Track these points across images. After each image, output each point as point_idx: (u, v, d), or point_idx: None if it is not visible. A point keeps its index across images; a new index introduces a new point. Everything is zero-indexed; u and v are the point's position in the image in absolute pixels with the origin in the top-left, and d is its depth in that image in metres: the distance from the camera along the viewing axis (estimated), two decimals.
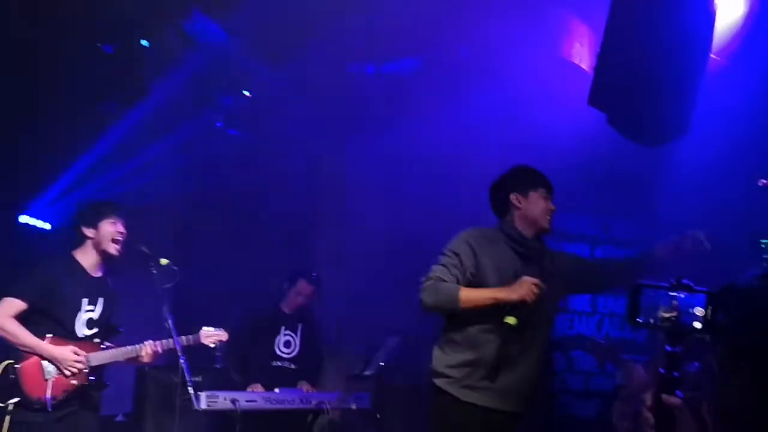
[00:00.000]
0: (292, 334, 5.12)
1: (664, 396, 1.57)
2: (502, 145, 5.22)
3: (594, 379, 5.70)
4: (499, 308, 3.05)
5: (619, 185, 5.51)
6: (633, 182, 5.42)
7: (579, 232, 5.78)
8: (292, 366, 5.08)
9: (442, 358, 3.21)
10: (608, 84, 3.94)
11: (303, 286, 5.11)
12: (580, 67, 5.17)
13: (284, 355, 5.08)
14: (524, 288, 3.01)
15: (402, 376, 5.12)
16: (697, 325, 1.61)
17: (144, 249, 3.81)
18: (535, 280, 3.04)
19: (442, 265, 3.17)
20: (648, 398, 1.62)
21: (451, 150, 5.46)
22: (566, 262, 3.40)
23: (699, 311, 1.62)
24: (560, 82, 5.13)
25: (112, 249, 3.71)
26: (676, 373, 1.62)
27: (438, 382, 3.18)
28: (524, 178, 3.33)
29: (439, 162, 5.56)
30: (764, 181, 4.92)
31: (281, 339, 5.08)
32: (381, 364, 4.80)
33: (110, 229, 3.72)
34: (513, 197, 3.28)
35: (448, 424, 3.13)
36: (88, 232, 3.74)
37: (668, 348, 1.63)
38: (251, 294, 5.49)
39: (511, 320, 3.00)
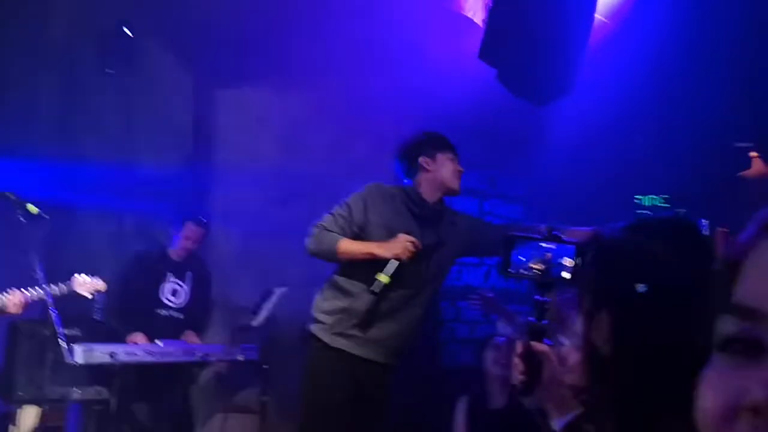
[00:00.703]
0: (180, 282, 4.93)
1: (533, 343, 1.63)
2: (390, 98, 5.21)
3: (479, 327, 5.90)
4: (378, 263, 3.11)
5: (506, 140, 5.63)
6: (520, 138, 5.55)
7: (467, 187, 5.88)
8: (180, 315, 4.89)
9: (319, 305, 3.31)
10: (498, 40, 3.99)
11: (191, 229, 4.91)
12: (473, 21, 5.20)
13: (171, 304, 4.88)
14: (399, 246, 3.09)
15: (290, 327, 5.10)
16: (566, 275, 1.67)
17: (9, 195, 3.56)
18: (411, 238, 3.12)
19: (332, 214, 3.25)
20: (519, 346, 1.66)
21: (342, 101, 5.41)
22: (466, 225, 3.50)
23: (568, 262, 1.67)
24: (451, 35, 5.15)
25: None
26: (545, 321, 1.68)
27: (312, 327, 3.27)
28: (432, 142, 3.42)
29: (330, 112, 5.50)
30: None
31: (167, 286, 4.89)
32: (269, 315, 4.75)
33: None
34: (422, 160, 3.35)
35: (318, 369, 3.23)
36: None
37: (537, 297, 1.68)
38: (135, 242, 5.29)
39: (383, 278, 3.07)
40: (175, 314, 4.90)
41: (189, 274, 4.97)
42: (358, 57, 5.19)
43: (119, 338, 4.56)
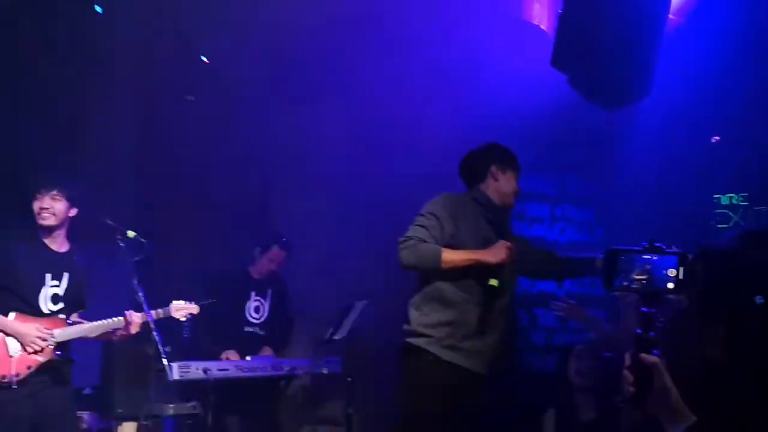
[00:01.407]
0: (262, 300, 5.12)
1: (642, 355, 1.64)
2: (461, 106, 5.25)
3: (556, 335, 5.85)
4: (477, 270, 3.14)
5: (577, 144, 5.59)
6: (591, 140, 5.51)
7: (539, 191, 5.87)
8: (261, 332, 5.09)
9: (419, 318, 3.27)
10: (570, 46, 3.99)
11: (276, 252, 5.09)
12: (540, 27, 5.20)
13: (254, 321, 5.09)
14: (503, 251, 3.13)
15: (371, 339, 5.18)
16: (670, 285, 1.68)
17: (109, 222, 3.75)
18: (509, 244, 3.15)
19: (421, 226, 3.25)
20: (627, 358, 1.68)
21: (410, 111, 5.47)
22: (520, 240, 3.53)
23: (671, 272, 1.68)
24: (519, 42, 5.16)
25: (40, 220, 3.66)
26: (651, 333, 1.69)
27: (416, 341, 3.23)
28: (505, 156, 3.51)
29: (399, 123, 5.55)
30: (716, 138, 5.07)
31: (251, 304, 5.08)
32: (350, 327, 4.84)
33: (35, 206, 3.67)
34: (494, 168, 3.44)
35: (427, 383, 3.19)
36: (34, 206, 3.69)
37: (643, 309, 1.69)
38: (217, 262, 5.46)
39: (494, 282, 3.10)
40: (258, 330, 5.10)
41: (269, 290, 5.15)
42: (428, 70, 5.25)
43: (206, 355, 4.75)
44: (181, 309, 3.93)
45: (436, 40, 5.16)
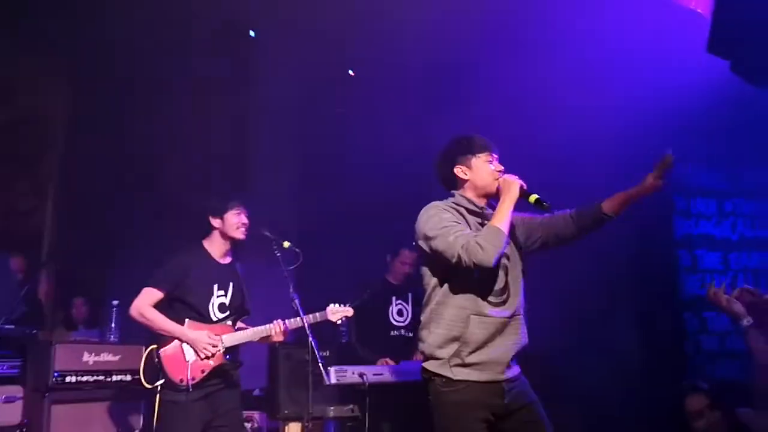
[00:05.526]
0: (404, 303, 5.26)
1: None
2: (618, 99, 5.05)
3: (730, 339, 5.48)
4: (475, 279, 2.91)
5: (746, 133, 5.21)
6: (762, 129, 5.11)
7: (705, 187, 5.53)
8: (409, 334, 5.21)
9: (427, 338, 3.03)
10: (729, 29, 3.72)
11: (405, 254, 5.23)
12: (697, 12, 4.91)
13: (399, 324, 5.23)
14: (515, 183, 2.94)
15: None
16: None
17: (266, 233, 3.98)
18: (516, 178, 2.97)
19: (447, 226, 2.94)
20: None
21: (562, 110, 5.33)
22: (517, 224, 3.17)
23: None
24: (676, 28, 4.90)
25: (240, 234, 3.96)
26: None
27: (429, 365, 3.00)
28: (464, 148, 3.12)
29: (557, 123, 5.41)
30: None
31: (394, 308, 5.23)
32: None
33: (234, 220, 3.95)
34: (457, 170, 3.10)
35: (447, 406, 2.95)
36: (215, 222, 3.97)
37: None
38: (363, 270, 5.62)
39: (533, 198, 2.92)
40: (404, 333, 5.23)
41: (410, 293, 5.30)
42: (578, 64, 5.11)
43: (361, 360, 4.90)
44: (337, 312, 4.10)
45: (586, 33, 5.01)
